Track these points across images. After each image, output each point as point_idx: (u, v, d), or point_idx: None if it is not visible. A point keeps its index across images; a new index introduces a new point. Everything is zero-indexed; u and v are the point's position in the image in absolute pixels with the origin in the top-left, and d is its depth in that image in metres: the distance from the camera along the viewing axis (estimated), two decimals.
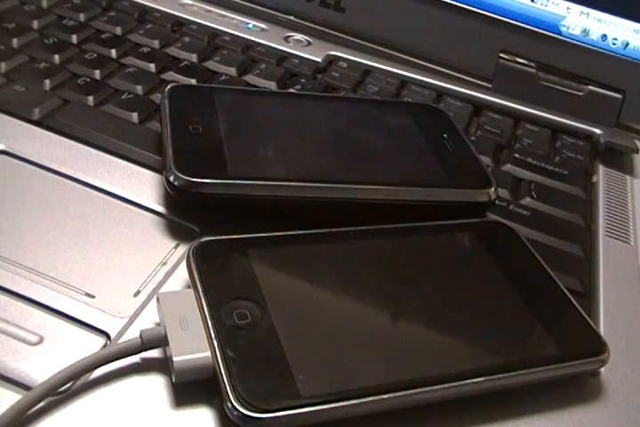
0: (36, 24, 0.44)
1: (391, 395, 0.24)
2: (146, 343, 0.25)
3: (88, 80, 0.40)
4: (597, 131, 0.46)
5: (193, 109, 0.35)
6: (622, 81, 0.47)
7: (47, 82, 0.39)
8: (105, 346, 0.26)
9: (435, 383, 0.25)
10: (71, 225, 0.31)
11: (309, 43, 0.50)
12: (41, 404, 0.23)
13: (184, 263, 0.28)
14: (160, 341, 0.25)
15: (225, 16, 0.50)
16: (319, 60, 0.47)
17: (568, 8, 0.47)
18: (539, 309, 0.29)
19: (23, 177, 0.33)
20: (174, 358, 0.24)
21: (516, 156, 0.42)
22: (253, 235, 0.29)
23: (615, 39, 0.46)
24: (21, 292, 0.27)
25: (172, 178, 0.30)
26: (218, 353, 0.24)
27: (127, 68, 0.42)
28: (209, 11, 0.51)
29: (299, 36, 0.50)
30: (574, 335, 0.28)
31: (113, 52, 0.43)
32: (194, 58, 0.45)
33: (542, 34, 0.47)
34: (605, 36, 0.46)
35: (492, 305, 0.29)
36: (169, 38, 0.46)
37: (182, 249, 0.31)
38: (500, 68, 0.48)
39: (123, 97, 0.39)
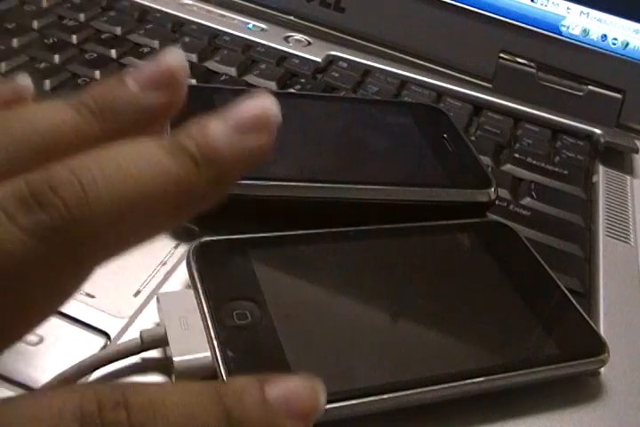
0: (35, 24, 0.44)
1: (391, 395, 0.24)
2: (146, 343, 0.25)
3: (88, 80, 0.40)
4: (597, 131, 0.46)
5: (192, 109, 0.35)
6: (622, 81, 0.47)
7: (47, 82, 0.39)
8: (105, 346, 0.26)
9: (435, 383, 0.25)
10: None
11: (309, 43, 0.50)
12: None
13: (184, 263, 0.28)
14: (160, 341, 0.25)
15: (225, 16, 0.50)
16: (319, 60, 0.47)
17: (568, 8, 0.47)
18: (539, 309, 0.29)
19: None
20: (174, 358, 0.24)
21: (516, 156, 0.42)
22: (253, 235, 0.29)
23: (615, 39, 0.46)
24: None
25: None
26: (218, 353, 0.24)
27: (127, 68, 0.42)
28: (209, 11, 0.51)
29: (299, 36, 0.50)
30: (574, 335, 0.28)
31: (113, 52, 0.43)
32: (194, 58, 0.45)
33: (542, 34, 0.47)
34: (605, 36, 0.46)
35: (492, 305, 0.29)
36: (169, 38, 0.46)
37: (182, 249, 0.31)
38: (500, 68, 0.48)
39: None
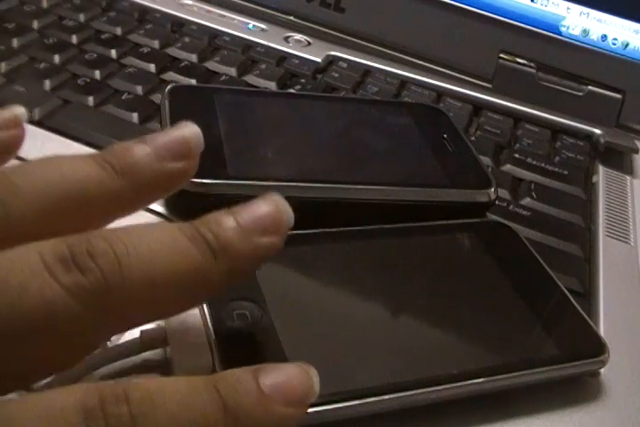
0: (36, 24, 0.44)
1: (392, 395, 0.24)
2: (146, 343, 0.25)
3: (88, 80, 0.40)
4: (597, 131, 0.46)
5: (193, 109, 0.35)
6: (622, 81, 0.47)
7: (47, 82, 0.39)
8: (105, 346, 0.26)
9: (435, 384, 0.25)
10: None
11: (309, 43, 0.50)
12: None
13: None
14: (160, 341, 0.25)
15: (225, 16, 0.50)
16: (319, 60, 0.47)
17: (568, 8, 0.47)
18: (539, 309, 0.29)
19: None
20: (174, 359, 0.24)
21: (516, 156, 0.42)
22: None
23: (615, 39, 0.46)
24: None
25: None
26: (218, 353, 0.24)
27: (127, 68, 0.42)
28: (209, 11, 0.51)
29: (299, 37, 0.50)
30: (574, 336, 0.28)
31: (113, 53, 0.43)
32: (194, 58, 0.45)
33: (542, 34, 0.47)
34: (605, 36, 0.46)
35: (492, 306, 0.29)
36: (169, 38, 0.46)
37: None
38: (500, 68, 0.48)
39: (123, 97, 0.39)
